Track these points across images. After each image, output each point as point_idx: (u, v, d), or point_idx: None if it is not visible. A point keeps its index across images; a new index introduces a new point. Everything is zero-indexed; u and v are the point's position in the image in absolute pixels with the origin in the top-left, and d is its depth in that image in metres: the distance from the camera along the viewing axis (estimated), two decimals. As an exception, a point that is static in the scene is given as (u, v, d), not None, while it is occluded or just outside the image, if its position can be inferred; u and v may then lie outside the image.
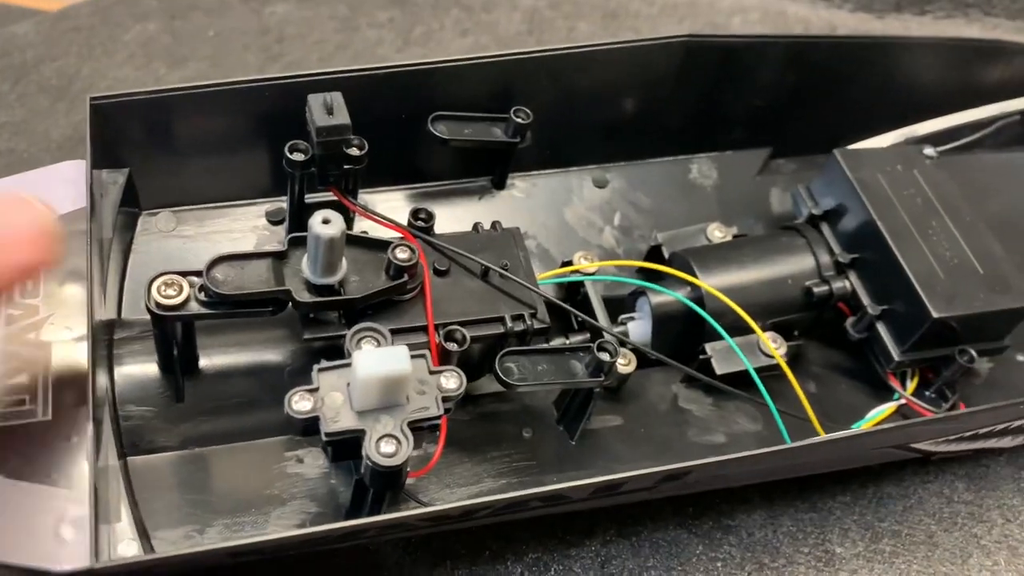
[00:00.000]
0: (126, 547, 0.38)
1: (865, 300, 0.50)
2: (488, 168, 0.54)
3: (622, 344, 0.46)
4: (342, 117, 0.43)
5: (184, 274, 0.40)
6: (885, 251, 0.49)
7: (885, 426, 0.46)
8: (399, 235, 0.45)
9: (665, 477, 0.41)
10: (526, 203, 0.55)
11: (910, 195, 0.51)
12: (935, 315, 0.47)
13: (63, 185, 0.46)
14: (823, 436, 0.44)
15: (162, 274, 0.40)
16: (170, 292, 0.40)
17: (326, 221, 0.39)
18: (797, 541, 0.49)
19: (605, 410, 0.48)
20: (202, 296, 0.40)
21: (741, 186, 0.58)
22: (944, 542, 0.50)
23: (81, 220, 0.43)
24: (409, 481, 0.41)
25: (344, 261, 0.41)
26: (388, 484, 0.38)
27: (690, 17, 0.80)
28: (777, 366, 0.48)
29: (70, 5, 0.73)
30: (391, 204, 0.53)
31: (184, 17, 0.74)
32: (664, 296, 0.49)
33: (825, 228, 0.52)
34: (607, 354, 0.43)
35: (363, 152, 0.45)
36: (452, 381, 0.39)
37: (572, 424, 0.47)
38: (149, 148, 0.48)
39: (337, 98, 0.44)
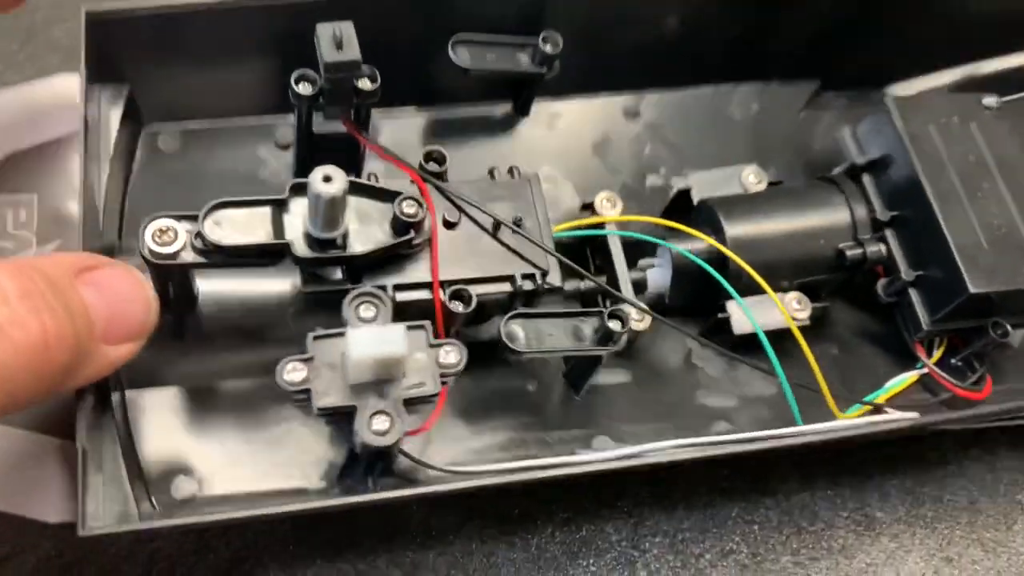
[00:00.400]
0: (122, 499, 0.38)
1: (900, 263, 0.47)
2: (511, 93, 0.51)
3: (636, 299, 0.45)
4: (352, 52, 0.40)
5: (179, 218, 0.38)
6: (927, 213, 0.46)
7: (899, 416, 0.44)
8: (408, 177, 0.42)
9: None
10: (549, 132, 0.51)
11: (963, 152, 0.47)
12: (972, 290, 0.44)
13: (62, 102, 0.44)
14: (834, 423, 0.43)
15: (156, 218, 0.38)
16: (165, 239, 0.38)
17: (327, 179, 0.37)
18: (836, 505, 0.48)
19: (613, 364, 0.46)
20: (198, 244, 0.38)
21: (782, 122, 0.54)
22: (987, 508, 0.49)
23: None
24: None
25: (347, 214, 0.39)
26: (380, 457, 0.37)
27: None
28: (798, 327, 0.46)
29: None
30: (405, 133, 0.50)
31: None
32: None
33: (867, 179, 0.48)
34: (618, 322, 0.41)
35: (375, 86, 0.42)
36: (452, 356, 0.37)
37: (579, 381, 0.45)
38: (151, 65, 0.45)
39: (347, 29, 0.40)
